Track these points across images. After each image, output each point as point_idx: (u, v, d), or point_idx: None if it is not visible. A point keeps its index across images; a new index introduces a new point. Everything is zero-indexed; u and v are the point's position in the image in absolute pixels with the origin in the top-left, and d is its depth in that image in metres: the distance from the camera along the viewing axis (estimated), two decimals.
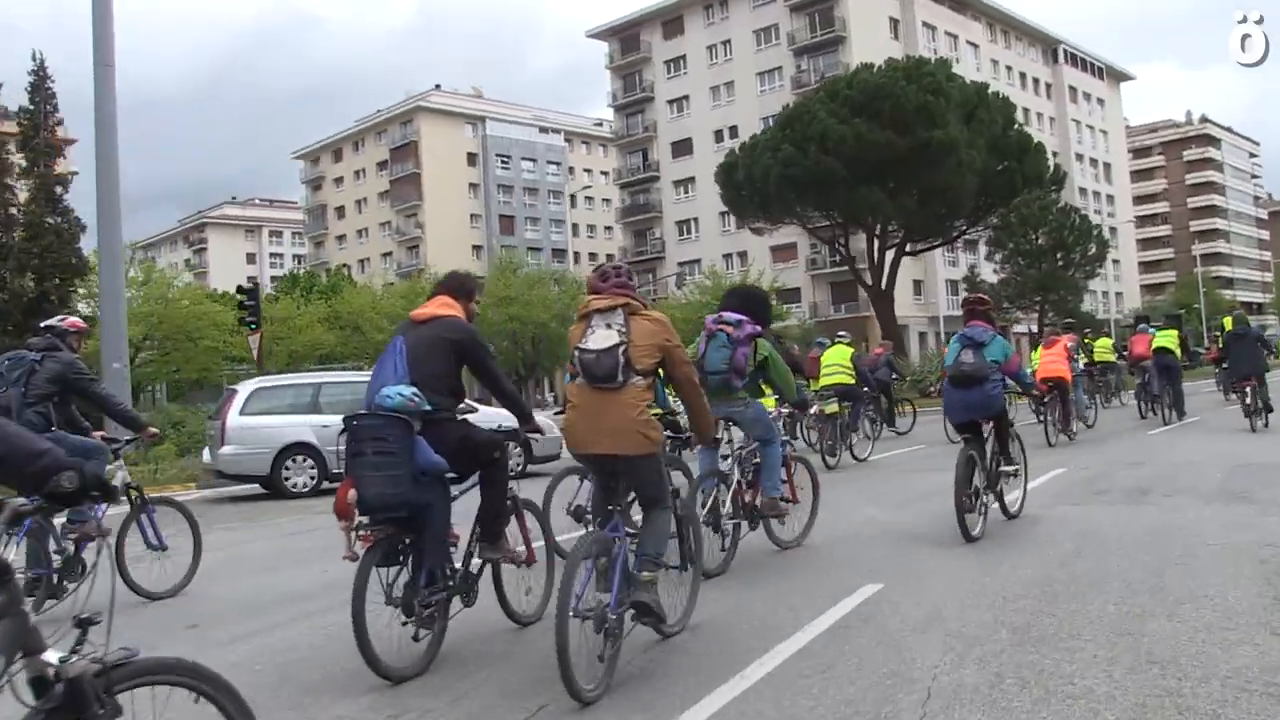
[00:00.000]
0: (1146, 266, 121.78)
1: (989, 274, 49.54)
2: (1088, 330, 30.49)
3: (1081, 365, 21.98)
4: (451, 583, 5.69)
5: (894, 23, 79.43)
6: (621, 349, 5.20)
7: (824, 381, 17.07)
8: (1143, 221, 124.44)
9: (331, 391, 17.21)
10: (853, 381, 17.10)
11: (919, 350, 73.99)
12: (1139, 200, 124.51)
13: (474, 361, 5.96)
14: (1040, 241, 43.58)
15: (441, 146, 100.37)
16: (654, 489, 5.53)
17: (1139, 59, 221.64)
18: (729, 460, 8.19)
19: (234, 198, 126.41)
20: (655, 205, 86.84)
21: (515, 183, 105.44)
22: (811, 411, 16.10)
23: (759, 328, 8.15)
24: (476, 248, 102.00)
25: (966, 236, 51.93)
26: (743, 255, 79.19)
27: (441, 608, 5.59)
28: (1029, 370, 17.99)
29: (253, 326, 24.41)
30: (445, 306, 5.96)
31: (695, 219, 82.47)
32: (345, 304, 58.38)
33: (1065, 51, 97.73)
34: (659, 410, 9.30)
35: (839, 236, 51.70)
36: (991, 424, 9.30)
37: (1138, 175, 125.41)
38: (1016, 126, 50.13)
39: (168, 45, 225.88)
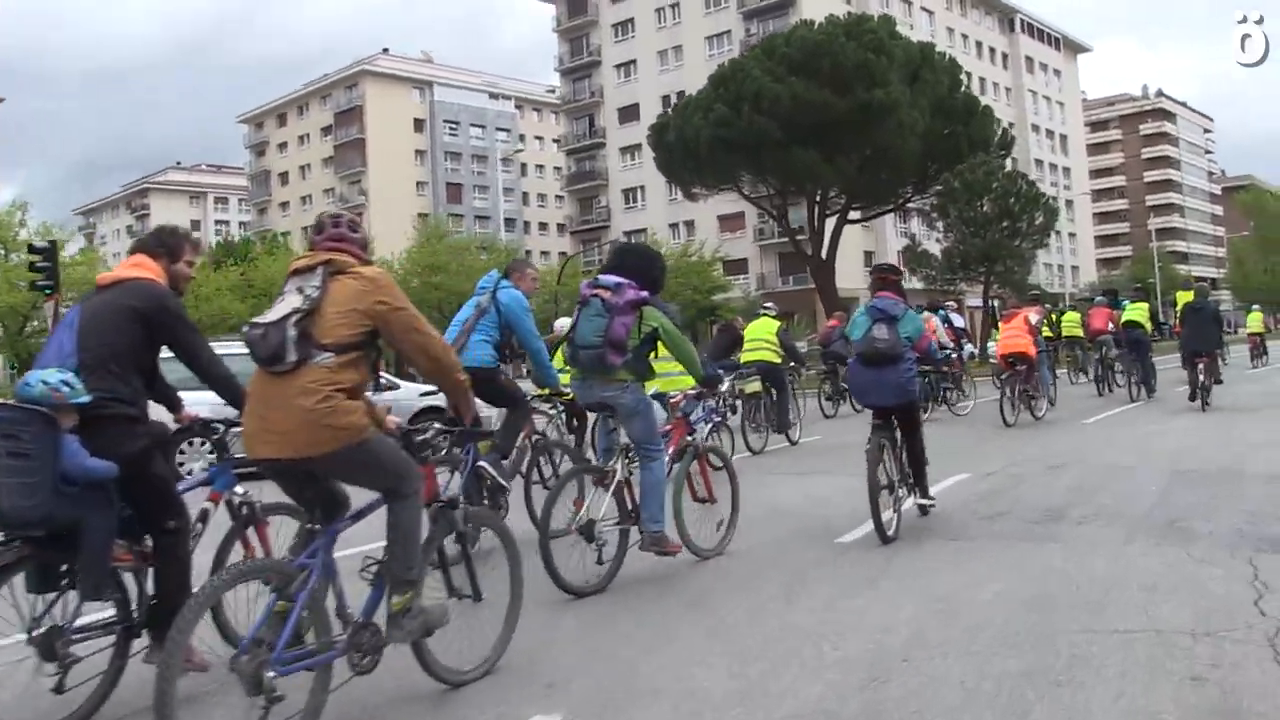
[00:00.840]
0: (1103, 240, 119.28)
1: (932, 244, 46.35)
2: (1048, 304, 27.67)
3: (1044, 339, 20.05)
4: (134, 615, 4.47)
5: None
6: (295, 319, 4.04)
7: (745, 358, 15.54)
8: (1099, 195, 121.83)
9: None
10: (777, 359, 15.55)
11: None
12: (1096, 174, 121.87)
13: (169, 337, 4.66)
14: (985, 209, 40.32)
15: (387, 112, 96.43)
16: (377, 479, 4.32)
17: (1097, 34, 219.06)
18: (612, 453, 6.87)
19: (179, 163, 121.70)
20: (601, 173, 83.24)
21: (464, 150, 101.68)
22: (723, 389, 13.56)
23: (645, 293, 6.54)
24: (422, 215, 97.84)
25: (912, 204, 48.87)
26: (689, 225, 76.04)
27: (120, 646, 4.43)
28: (970, 347, 19.11)
29: (48, 291, 20.83)
30: (137, 267, 4.73)
31: (641, 187, 78.82)
32: (258, 271, 54.64)
33: (1022, 21, 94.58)
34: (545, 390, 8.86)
35: (777, 203, 48.51)
36: (899, 414, 8.02)
37: (1094, 149, 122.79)
38: (963, 88, 47.01)
39: (140, 11, 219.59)
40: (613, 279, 6.55)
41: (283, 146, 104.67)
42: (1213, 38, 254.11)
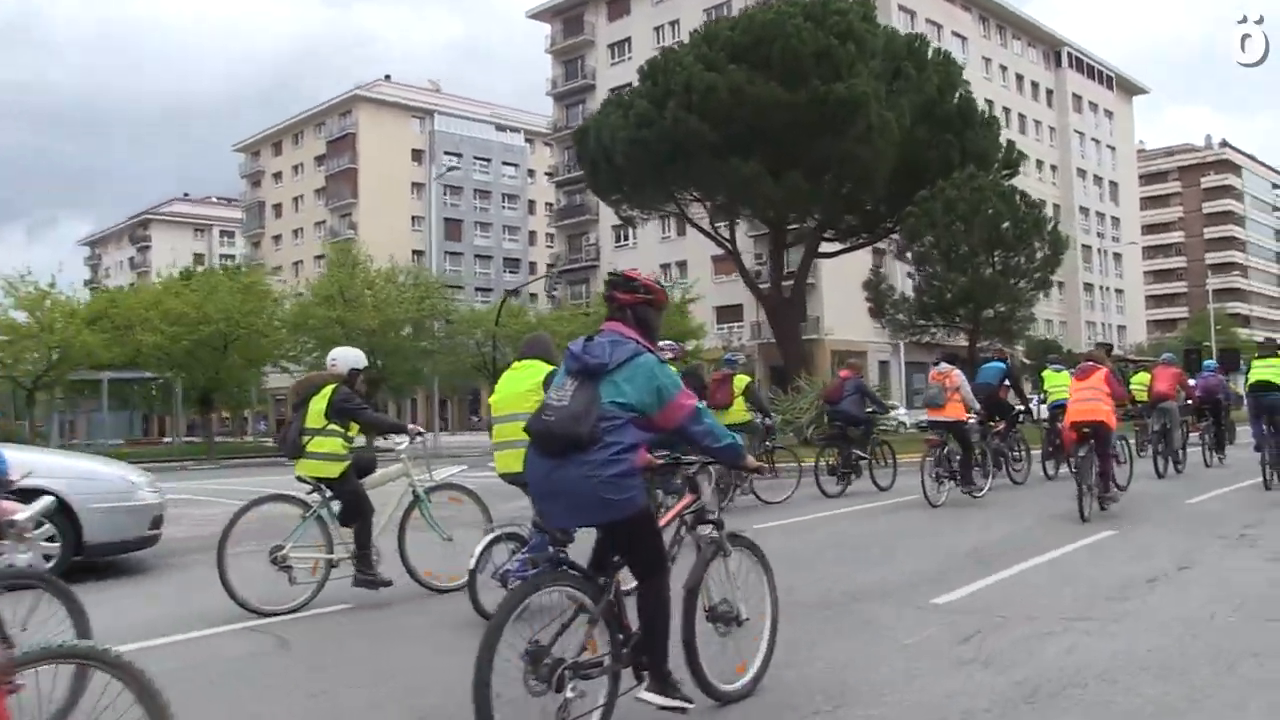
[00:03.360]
0: (1156, 300, 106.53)
1: (901, 280, 35.43)
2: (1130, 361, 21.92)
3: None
4: None
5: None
6: None
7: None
8: (1154, 252, 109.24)
9: None
10: (747, 418, 13.84)
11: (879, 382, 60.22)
12: (1151, 229, 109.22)
13: None
14: (969, 234, 29.31)
15: (382, 141, 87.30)
16: None
17: (1156, 79, 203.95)
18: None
19: (186, 194, 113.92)
20: (591, 207, 72.81)
21: (465, 184, 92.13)
22: None
23: None
24: (418, 253, 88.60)
25: (895, 233, 37.88)
26: (682, 265, 65.77)
27: None
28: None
29: None
30: None
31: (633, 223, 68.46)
32: (116, 304, 45.09)
33: (1070, 54, 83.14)
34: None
35: (720, 223, 37.82)
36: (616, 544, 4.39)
37: (1150, 202, 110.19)
38: (960, 92, 36.02)
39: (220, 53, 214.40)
40: None
41: (277, 176, 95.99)
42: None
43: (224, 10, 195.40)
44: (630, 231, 68.78)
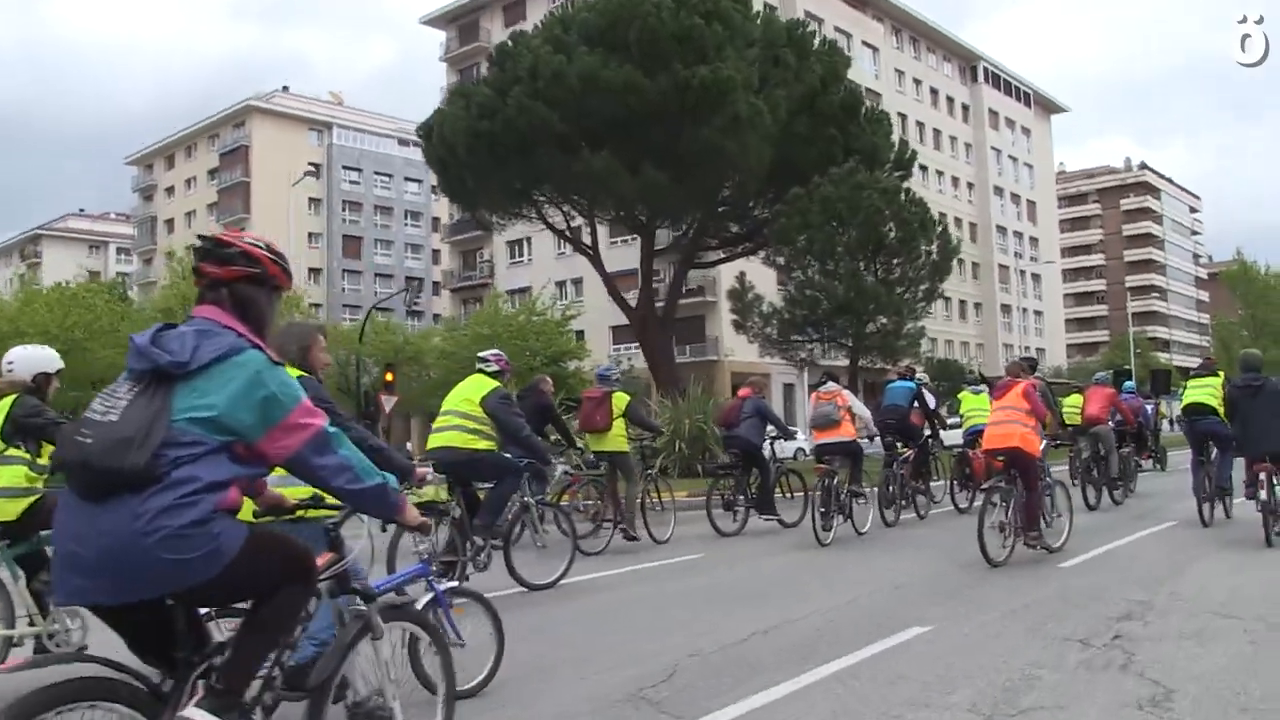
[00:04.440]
0: (1077, 324, 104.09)
1: (770, 287, 31.26)
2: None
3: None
4: None
5: (769, 9, 61.59)
6: None
7: (593, 445, 12.02)
8: (1075, 274, 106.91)
9: None
10: (623, 447, 12.07)
11: (784, 407, 56.21)
12: (1071, 251, 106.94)
13: None
14: (844, 234, 25.17)
15: (277, 154, 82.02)
16: None
17: (1075, 99, 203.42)
18: None
19: (81, 210, 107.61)
20: (485, 221, 68.41)
21: (365, 200, 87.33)
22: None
23: None
24: (314, 270, 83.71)
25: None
26: (579, 283, 61.24)
27: None
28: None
29: None
30: None
31: (529, 238, 63.80)
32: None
33: (986, 70, 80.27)
34: None
35: (571, 226, 33.45)
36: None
37: (1071, 224, 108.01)
38: (845, 85, 31.98)
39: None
40: None
41: (170, 191, 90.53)
42: (1199, 119, 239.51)
43: (155, 32, 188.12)
44: (525, 246, 64.60)
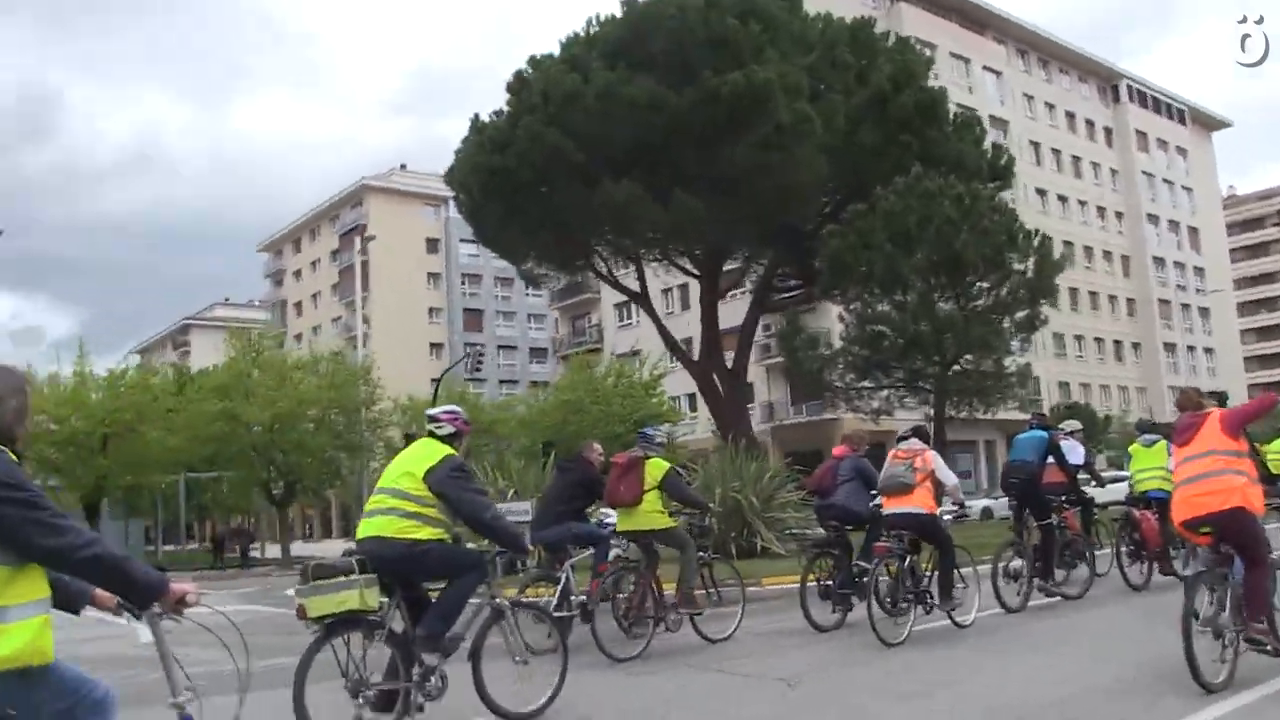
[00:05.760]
0: (1258, 360, 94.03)
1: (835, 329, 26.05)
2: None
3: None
4: None
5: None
6: None
7: (621, 525, 9.90)
8: (1253, 307, 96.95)
9: None
10: (664, 520, 9.79)
11: None
12: (1248, 281, 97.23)
13: None
14: (909, 253, 20.01)
15: (394, 231, 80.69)
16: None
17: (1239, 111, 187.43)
18: None
19: (227, 299, 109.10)
20: (592, 283, 64.90)
21: (485, 271, 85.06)
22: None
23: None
24: (435, 345, 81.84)
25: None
26: (688, 342, 56.86)
27: None
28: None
29: None
30: None
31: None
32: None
33: (1130, 88, 73.02)
34: None
35: (601, 270, 29.10)
36: None
37: (1245, 252, 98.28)
38: (921, 85, 26.82)
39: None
40: None
41: (298, 274, 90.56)
42: None
43: (316, 131, 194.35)
44: (632, 308, 60.48)
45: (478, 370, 44.83)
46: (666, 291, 50.50)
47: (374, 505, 6.65)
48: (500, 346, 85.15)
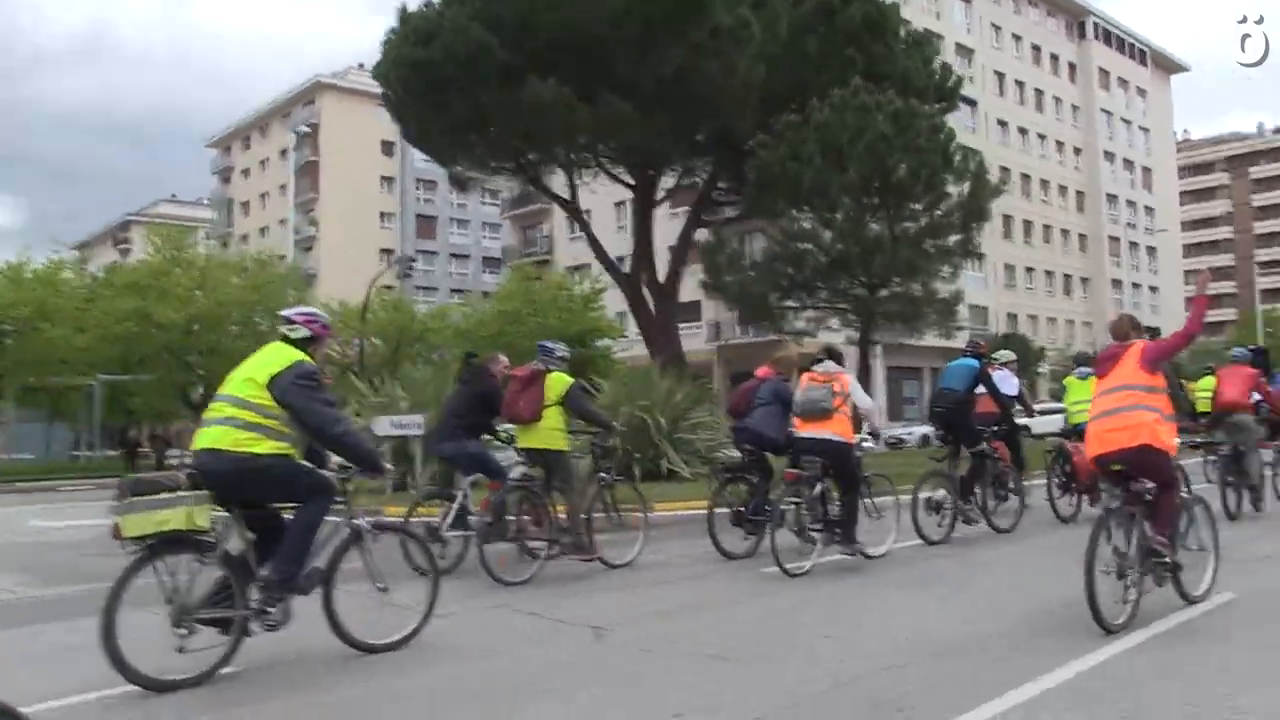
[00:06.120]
0: None
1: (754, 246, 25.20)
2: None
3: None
4: None
5: None
6: None
7: (521, 440, 9.42)
8: (1198, 249, 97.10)
9: None
10: (561, 443, 9.31)
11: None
12: (1194, 225, 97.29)
13: None
14: (841, 169, 19.05)
15: (348, 132, 78.54)
16: None
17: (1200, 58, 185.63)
18: None
19: (173, 195, 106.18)
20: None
21: (440, 177, 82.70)
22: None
23: None
24: (387, 251, 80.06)
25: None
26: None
27: None
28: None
29: None
30: None
31: (589, 210, 58.60)
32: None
33: (1096, 25, 71.89)
34: None
35: (533, 175, 27.96)
36: None
37: (1193, 196, 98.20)
38: None
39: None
40: None
41: (246, 173, 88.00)
42: None
43: (287, 27, 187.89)
44: (589, 217, 59.23)
45: (407, 276, 43.58)
46: (620, 205, 49.02)
47: (211, 414, 6.01)
48: (453, 255, 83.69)
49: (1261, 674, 5.13)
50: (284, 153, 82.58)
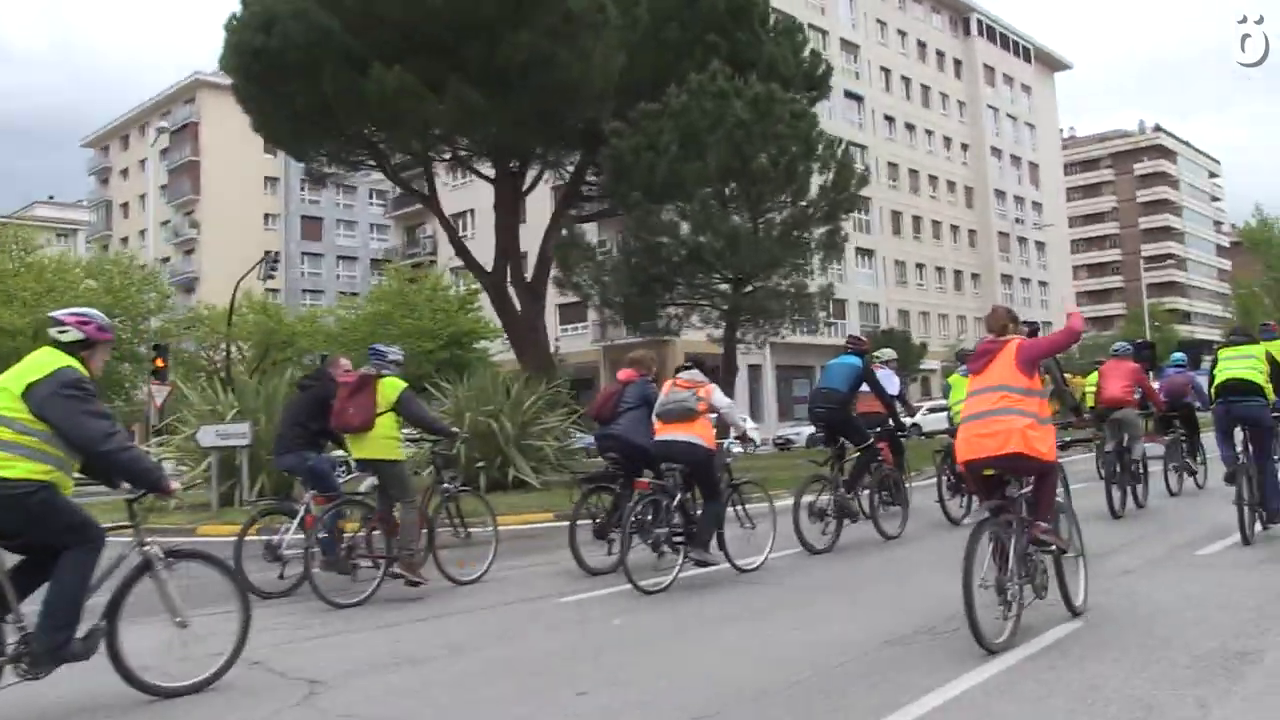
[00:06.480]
0: (1090, 296, 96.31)
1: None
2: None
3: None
4: None
5: None
6: None
7: (356, 452, 8.74)
8: (1087, 244, 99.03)
9: None
10: (397, 454, 8.69)
11: (748, 394, 49.24)
12: (1083, 220, 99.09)
13: None
14: (698, 158, 18.04)
15: (229, 131, 75.19)
16: None
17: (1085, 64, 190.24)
18: None
19: (51, 197, 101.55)
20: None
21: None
22: None
23: None
24: (272, 254, 77.24)
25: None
26: (524, 257, 54.33)
27: None
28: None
29: None
30: None
31: (471, 210, 56.89)
32: None
33: (979, 22, 72.42)
34: None
35: (393, 170, 26.57)
36: None
37: (1081, 191, 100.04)
38: None
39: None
40: None
41: (124, 173, 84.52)
42: (1229, 94, 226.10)
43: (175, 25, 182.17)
44: (471, 219, 57.50)
45: (271, 276, 41.65)
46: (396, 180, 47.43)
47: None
48: (340, 257, 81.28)
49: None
50: (164, 152, 79.34)
